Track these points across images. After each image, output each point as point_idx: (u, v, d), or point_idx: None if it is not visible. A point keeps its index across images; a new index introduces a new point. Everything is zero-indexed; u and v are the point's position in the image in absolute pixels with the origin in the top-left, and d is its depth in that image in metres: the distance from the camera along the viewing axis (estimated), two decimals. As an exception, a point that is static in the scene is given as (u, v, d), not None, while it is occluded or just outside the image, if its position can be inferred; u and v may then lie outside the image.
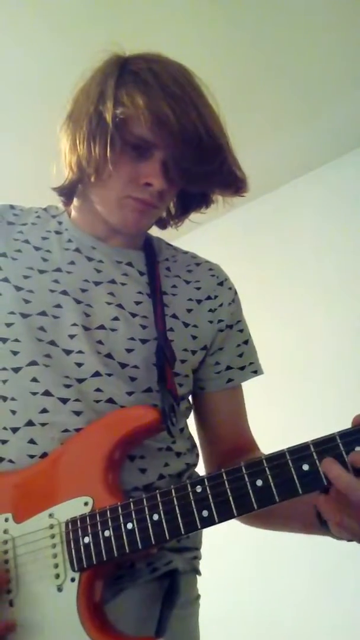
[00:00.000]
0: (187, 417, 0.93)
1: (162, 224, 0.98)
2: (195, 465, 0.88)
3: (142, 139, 0.79)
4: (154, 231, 1.02)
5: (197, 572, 0.83)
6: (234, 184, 0.87)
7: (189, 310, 0.90)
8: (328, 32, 1.87)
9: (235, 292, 0.98)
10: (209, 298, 0.93)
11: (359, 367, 2.21)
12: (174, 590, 0.73)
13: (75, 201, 0.92)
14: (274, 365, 2.32)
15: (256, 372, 0.97)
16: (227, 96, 2.40)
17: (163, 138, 0.78)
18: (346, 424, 0.62)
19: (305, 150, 2.45)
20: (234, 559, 2.29)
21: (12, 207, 0.96)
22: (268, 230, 2.67)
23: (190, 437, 0.91)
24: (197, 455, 0.91)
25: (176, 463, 0.82)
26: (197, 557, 0.83)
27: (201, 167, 0.80)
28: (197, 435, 0.97)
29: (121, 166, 0.80)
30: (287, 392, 2.28)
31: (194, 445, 0.92)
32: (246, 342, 0.96)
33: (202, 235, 2.67)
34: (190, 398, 0.94)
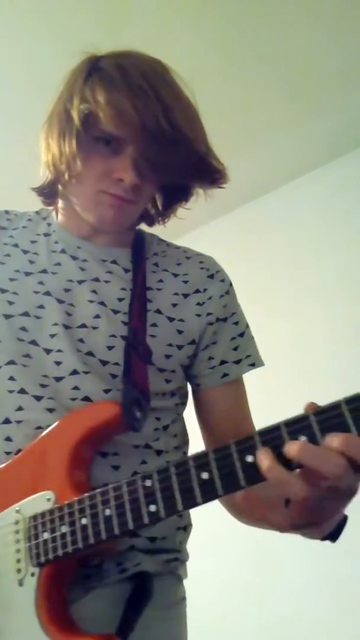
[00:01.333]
0: (179, 413, 0.90)
1: (150, 221, 0.98)
2: None
3: (108, 134, 0.79)
4: (154, 229, 1.02)
5: (176, 574, 0.80)
6: (209, 174, 0.86)
7: (175, 305, 0.89)
8: (328, 32, 1.85)
9: (230, 284, 0.95)
10: (197, 291, 0.91)
11: (359, 367, 2.12)
12: (143, 593, 0.72)
13: (60, 203, 0.94)
14: (273, 365, 2.27)
15: (254, 364, 0.93)
16: (226, 97, 2.40)
17: (125, 131, 0.78)
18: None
19: (305, 150, 2.43)
20: (233, 558, 2.25)
21: (7, 212, 0.99)
22: (268, 231, 2.65)
23: (178, 436, 0.88)
24: (185, 454, 0.89)
25: (156, 461, 0.81)
26: (178, 559, 0.80)
27: (166, 158, 0.79)
28: (200, 431, 0.95)
29: (93, 162, 0.81)
30: (286, 392, 2.21)
31: (184, 444, 0.90)
32: (242, 334, 0.93)
33: (201, 236, 2.69)
34: (181, 395, 0.92)
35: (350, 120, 2.26)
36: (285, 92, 2.09)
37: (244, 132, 2.27)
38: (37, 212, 0.99)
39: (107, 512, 0.63)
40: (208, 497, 0.58)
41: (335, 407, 0.54)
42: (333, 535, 0.66)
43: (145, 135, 0.77)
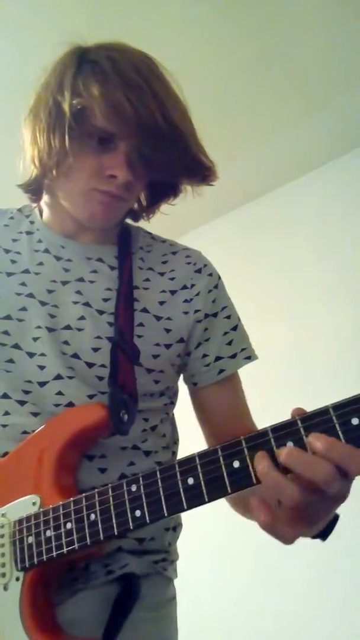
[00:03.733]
0: (168, 413, 0.89)
1: (134, 216, 0.96)
2: None
3: (101, 130, 0.77)
4: (152, 226, 1.00)
5: (164, 575, 0.80)
6: (200, 172, 0.84)
7: (162, 303, 0.87)
8: (328, 32, 1.83)
9: (219, 278, 0.93)
10: (184, 288, 0.89)
11: (359, 367, 2.12)
12: (130, 594, 0.71)
13: (45, 198, 0.91)
14: (274, 365, 2.27)
15: (250, 357, 0.91)
16: (227, 97, 2.36)
17: (120, 127, 0.76)
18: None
19: (305, 150, 2.41)
20: (233, 560, 2.24)
21: None
22: (268, 230, 2.64)
23: (167, 435, 0.87)
24: (174, 453, 0.88)
25: (144, 462, 0.80)
26: (166, 560, 0.80)
27: (162, 155, 0.77)
28: (201, 429, 0.93)
29: (84, 158, 0.79)
30: (287, 392, 2.21)
31: (173, 443, 0.89)
32: (235, 327, 0.91)
33: (202, 236, 2.67)
34: (170, 394, 0.91)
35: (350, 120, 2.25)
36: (285, 92, 2.07)
37: (244, 132, 2.26)
38: (19, 210, 0.96)
39: (92, 516, 0.63)
40: (193, 502, 0.57)
41: (323, 412, 0.53)
42: (323, 534, 0.65)
43: (140, 131, 0.75)
